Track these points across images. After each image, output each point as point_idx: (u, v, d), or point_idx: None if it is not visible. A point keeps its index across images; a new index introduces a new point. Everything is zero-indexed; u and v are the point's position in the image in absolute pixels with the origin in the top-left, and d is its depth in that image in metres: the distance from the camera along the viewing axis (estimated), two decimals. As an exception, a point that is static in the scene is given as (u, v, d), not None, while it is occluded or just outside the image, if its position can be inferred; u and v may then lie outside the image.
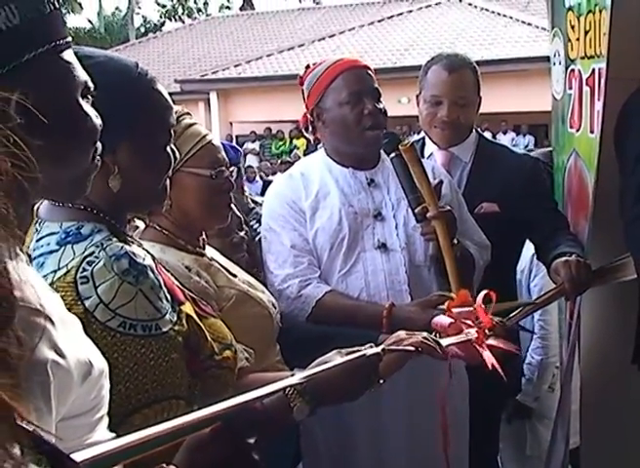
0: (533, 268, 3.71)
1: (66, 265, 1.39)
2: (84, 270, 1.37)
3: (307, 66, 2.72)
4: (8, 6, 1.05)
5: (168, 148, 1.60)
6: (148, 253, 1.52)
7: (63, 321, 1.06)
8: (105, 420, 1.19)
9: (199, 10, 44.58)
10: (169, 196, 1.96)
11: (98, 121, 1.19)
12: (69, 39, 1.16)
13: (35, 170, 1.08)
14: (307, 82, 2.66)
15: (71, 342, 1.05)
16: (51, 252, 1.42)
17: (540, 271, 3.64)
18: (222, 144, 3.34)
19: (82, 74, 1.18)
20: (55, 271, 1.39)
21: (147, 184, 1.57)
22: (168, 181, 1.63)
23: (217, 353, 1.58)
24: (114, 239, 1.44)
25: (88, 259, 1.39)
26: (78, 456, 0.88)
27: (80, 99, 1.16)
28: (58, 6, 1.13)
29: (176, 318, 1.45)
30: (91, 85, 1.19)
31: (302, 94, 2.70)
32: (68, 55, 1.15)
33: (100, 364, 1.14)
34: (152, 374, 1.37)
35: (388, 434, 2.57)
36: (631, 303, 2.57)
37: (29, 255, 1.18)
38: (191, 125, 2.05)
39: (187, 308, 1.53)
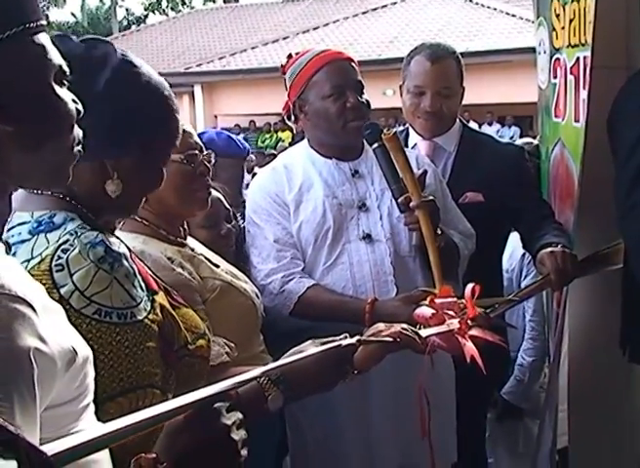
0: (523, 268, 3.71)
1: (40, 254, 1.37)
2: (59, 258, 1.36)
3: (290, 56, 2.69)
4: None
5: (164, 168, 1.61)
6: (123, 242, 1.51)
7: (46, 308, 1.05)
8: (92, 408, 1.17)
9: (183, 3, 44.39)
10: None
11: (74, 106, 1.16)
12: (44, 22, 1.12)
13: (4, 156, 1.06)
14: (290, 72, 2.64)
15: (54, 330, 1.03)
16: (22, 241, 1.40)
17: (530, 271, 3.63)
18: (226, 136, 3.31)
19: (56, 58, 1.14)
20: (28, 260, 1.37)
21: (135, 197, 1.58)
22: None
23: (190, 342, 1.57)
24: (88, 227, 1.43)
25: (63, 247, 1.37)
26: (50, 448, 0.86)
27: (53, 84, 1.13)
28: None
29: (150, 307, 1.44)
30: (66, 69, 1.16)
31: (285, 83, 2.68)
32: (42, 37, 1.12)
33: (84, 351, 1.12)
34: (127, 363, 1.35)
35: (375, 420, 2.57)
36: (618, 291, 2.57)
37: (8, 244, 1.16)
38: None
39: (160, 298, 1.52)
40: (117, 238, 1.51)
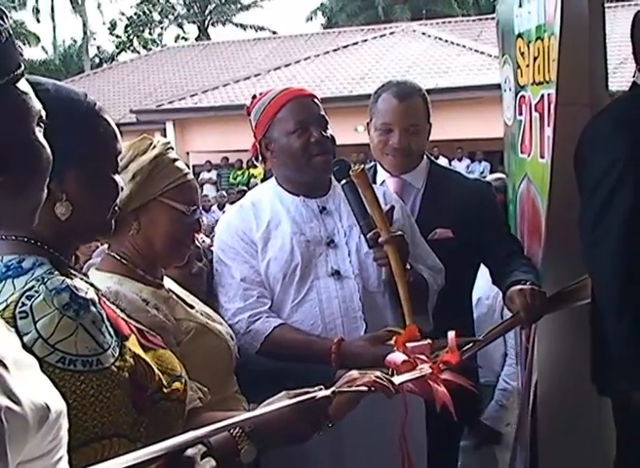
0: None
1: (6, 300, 1.35)
2: (23, 305, 1.33)
3: (254, 97, 2.71)
4: None
5: (115, 177, 1.57)
6: (93, 286, 1.48)
7: (18, 363, 1.02)
8: (65, 459, 1.13)
9: (154, 41, 44.54)
10: (138, 221, 1.95)
11: (49, 151, 1.15)
12: (23, 67, 1.11)
13: None
14: (254, 112, 2.65)
15: (27, 386, 1.00)
16: None
17: None
18: None
19: (37, 103, 1.13)
20: None
21: (94, 213, 1.54)
22: (117, 210, 1.60)
23: (165, 385, 1.54)
24: (56, 272, 1.41)
25: (27, 294, 1.35)
26: None
27: (36, 130, 1.12)
28: (11, 33, 1.09)
29: (118, 353, 1.41)
30: (43, 114, 1.15)
31: (250, 124, 2.69)
32: (23, 84, 1.11)
33: (58, 405, 1.08)
34: (92, 411, 1.33)
35: (347, 460, 2.52)
36: (587, 325, 2.58)
37: None
38: (176, 160, 2.09)
39: (131, 343, 1.49)
40: (87, 281, 1.49)
